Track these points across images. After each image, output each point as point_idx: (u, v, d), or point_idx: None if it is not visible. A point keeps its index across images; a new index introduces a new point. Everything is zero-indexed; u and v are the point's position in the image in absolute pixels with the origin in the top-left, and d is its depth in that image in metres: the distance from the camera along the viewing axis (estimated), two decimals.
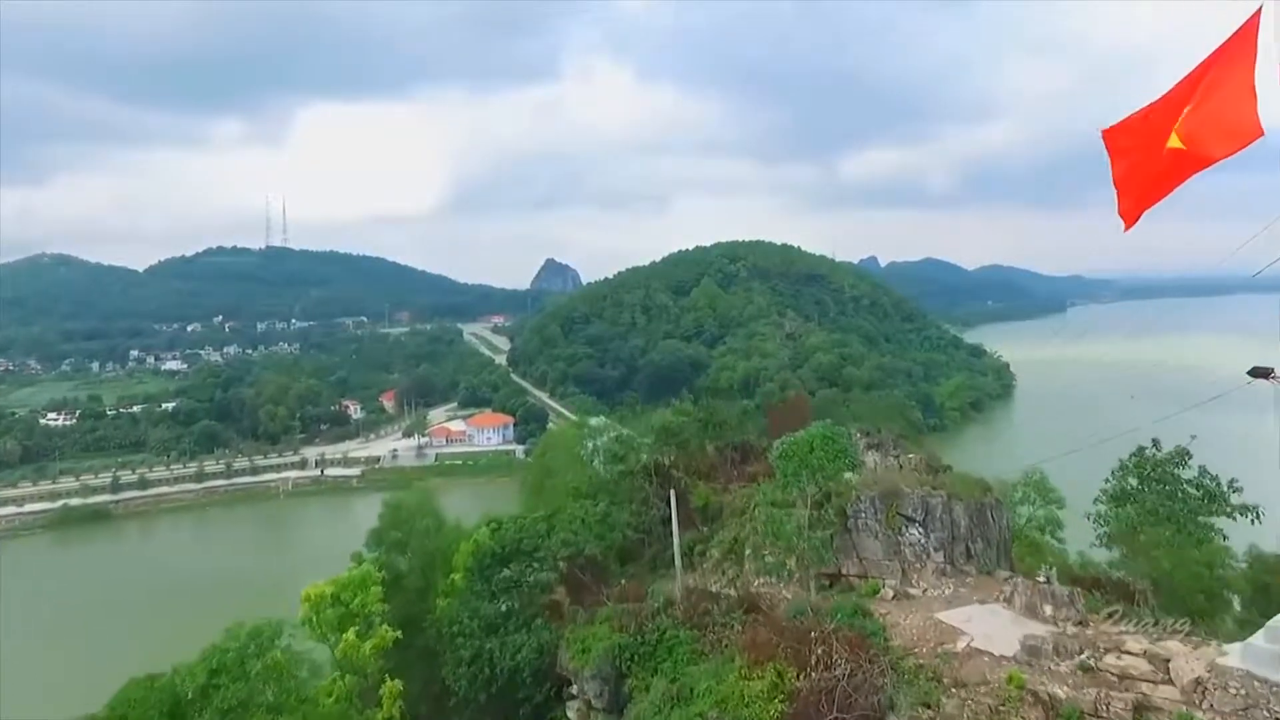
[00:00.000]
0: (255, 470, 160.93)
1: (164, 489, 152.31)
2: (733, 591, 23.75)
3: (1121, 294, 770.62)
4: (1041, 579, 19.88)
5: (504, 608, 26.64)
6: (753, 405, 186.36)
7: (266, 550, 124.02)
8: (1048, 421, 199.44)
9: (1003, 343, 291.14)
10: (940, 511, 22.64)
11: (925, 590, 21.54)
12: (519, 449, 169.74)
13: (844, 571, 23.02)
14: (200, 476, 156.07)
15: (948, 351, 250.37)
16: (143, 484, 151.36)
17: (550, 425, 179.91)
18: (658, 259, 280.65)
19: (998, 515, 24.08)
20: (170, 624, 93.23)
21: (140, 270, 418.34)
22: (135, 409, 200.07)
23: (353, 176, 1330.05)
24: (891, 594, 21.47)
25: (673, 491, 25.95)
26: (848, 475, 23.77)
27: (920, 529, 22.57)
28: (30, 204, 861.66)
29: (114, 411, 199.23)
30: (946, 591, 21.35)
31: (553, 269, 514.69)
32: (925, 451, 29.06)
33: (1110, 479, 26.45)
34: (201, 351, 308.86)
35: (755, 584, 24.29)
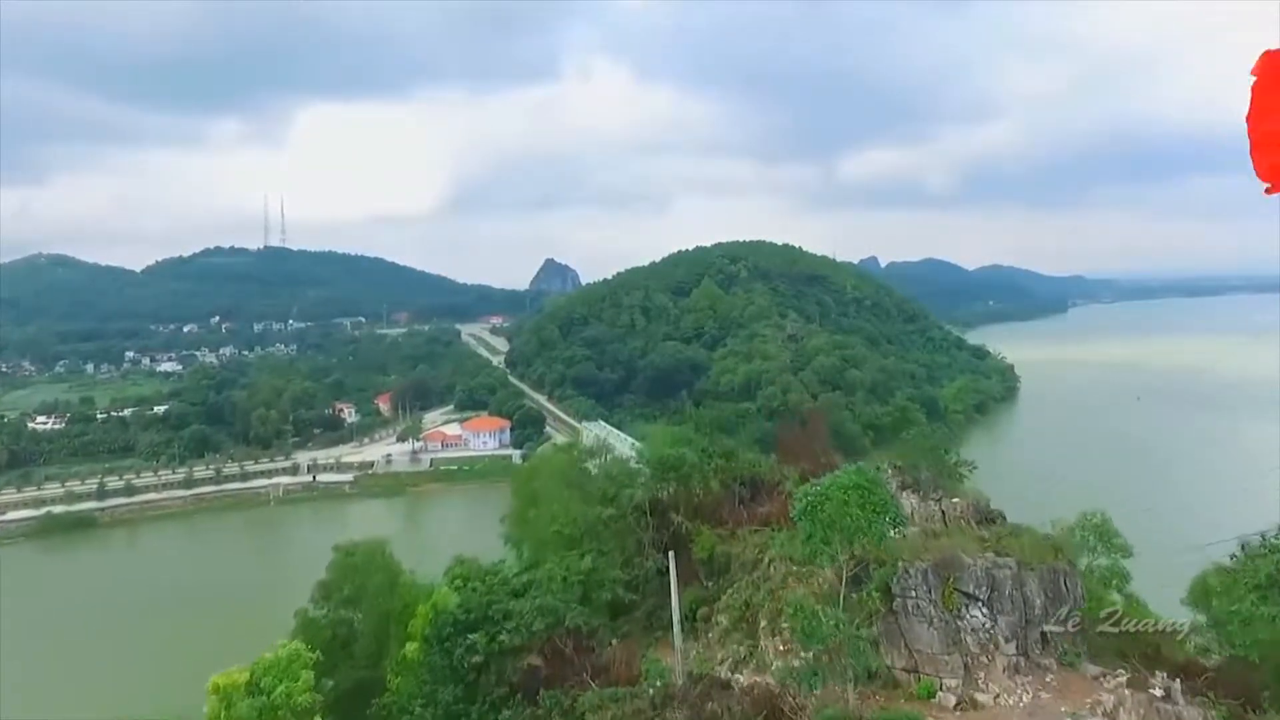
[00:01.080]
0: (245, 476, 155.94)
1: (151, 495, 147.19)
2: (744, 677, 19.05)
3: (1122, 294, 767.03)
4: (1158, 691, 15.03)
5: (468, 679, 21.81)
6: (754, 409, 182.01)
7: (252, 560, 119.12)
8: (1055, 426, 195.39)
9: (1004, 343, 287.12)
10: (1010, 587, 17.78)
11: (997, 696, 16.65)
12: (516, 453, 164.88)
13: (889, 663, 18.23)
14: (189, 482, 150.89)
15: (950, 353, 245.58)
16: (129, 490, 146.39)
17: (547, 429, 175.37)
18: (657, 259, 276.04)
19: (1072, 584, 19.21)
20: (149, 638, 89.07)
21: (138, 271, 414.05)
22: (126, 412, 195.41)
23: (352, 177, 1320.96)
24: (954, 701, 16.60)
25: (671, 555, 21.11)
26: (890, 535, 18.95)
27: (984, 609, 17.70)
28: (29, 204, 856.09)
29: (104, 415, 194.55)
30: (1025, 698, 16.47)
31: (552, 269, 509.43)
32: (971, 495, 24.20)
33: (1239, 555, 21.43)
34: (197, 353, 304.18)
35: (773, 665, 19.55)
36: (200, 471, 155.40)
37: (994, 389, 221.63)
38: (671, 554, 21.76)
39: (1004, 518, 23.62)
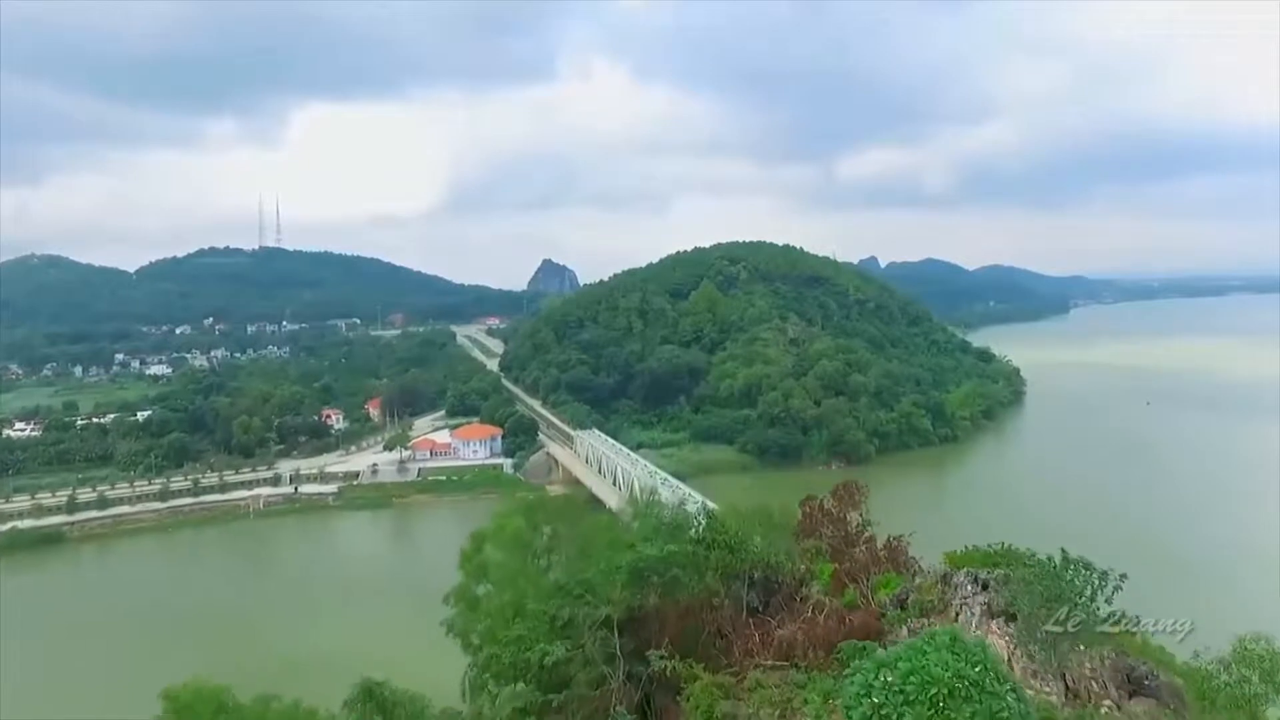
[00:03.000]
0: (225, 487, 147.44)
1: (124, 509, 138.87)
2: None
3: (1124, 294, 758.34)
4: None
5: None
6: (755, 415, 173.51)
7: (225, 580, 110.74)
8: (1066, 432, 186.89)
9: (1008, 345, 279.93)
10: None
11: None
12: (507, 462, 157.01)
13: None
14: (164, 495, 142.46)
15: (955, 356, 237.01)
16: (101, 503, 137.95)
17: (540, 436, 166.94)
18: (655, 260, 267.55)
19: None
20: (102, 666, 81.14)
21: (131, 272, 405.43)
22: (108, 418, 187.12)
23: (349, 177, 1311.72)
24: None
25: None
26: None
27: None
28: (23, 205, 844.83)
29: (84, 421, 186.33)
30: None
31: (550, 269, 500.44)
32: (1113, 641, 15.74)
33: None
34: (188, 355, 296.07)
35: None
36: (178, 482, 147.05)
37: (1001, 394, 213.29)
38: None
39: (1154, 675, 15.31)
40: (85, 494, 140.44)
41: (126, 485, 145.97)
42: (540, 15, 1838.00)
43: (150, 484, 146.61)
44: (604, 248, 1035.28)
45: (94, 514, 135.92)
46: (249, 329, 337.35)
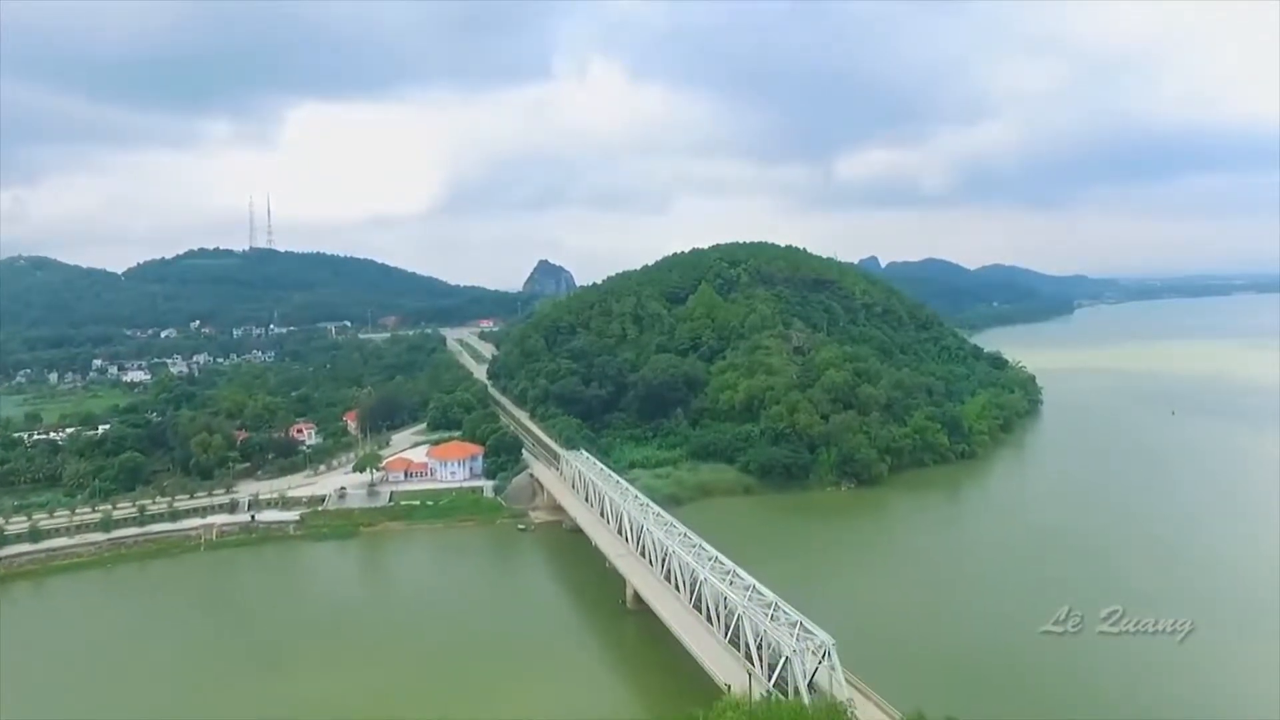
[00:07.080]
0: (175, 515, 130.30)
1: (61, 541, 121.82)
2: None
3: (1126, 294, 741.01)
4: None
5: None
6: (757, 431, 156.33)
7: (165, 627, 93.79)
8: (1091, 447, 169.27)
9: (1016, 347, 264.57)
10: None
11: None
12: (488, 485, 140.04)
13: None
14: (107, 524, 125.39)
15: (967, 363, 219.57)
16: (35, 535, 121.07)
17: (525, 455, 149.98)
18: (650, 262, 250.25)
19: None
20: None
21: (120, 274, 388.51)
22: (65, 433, 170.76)
23: (344, 178, 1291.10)
24: None
25: None
26: None
27: None
28: (17, 206, 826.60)
29: (38, 437, 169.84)
30: None
31: (546, 270, 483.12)
32: None
33: None
34: (169, 360, 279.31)
35: None
36: (124, 509, 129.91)
37: (1018, 404, 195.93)
38: None
39: None
40: (18, 523, 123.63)
41: (66, 513, 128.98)
42: (535, 14, 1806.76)
43: (93, 511, 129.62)
44: (601, 248, 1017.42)
45: (25, 548, 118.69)
46: (235, 332, 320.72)
